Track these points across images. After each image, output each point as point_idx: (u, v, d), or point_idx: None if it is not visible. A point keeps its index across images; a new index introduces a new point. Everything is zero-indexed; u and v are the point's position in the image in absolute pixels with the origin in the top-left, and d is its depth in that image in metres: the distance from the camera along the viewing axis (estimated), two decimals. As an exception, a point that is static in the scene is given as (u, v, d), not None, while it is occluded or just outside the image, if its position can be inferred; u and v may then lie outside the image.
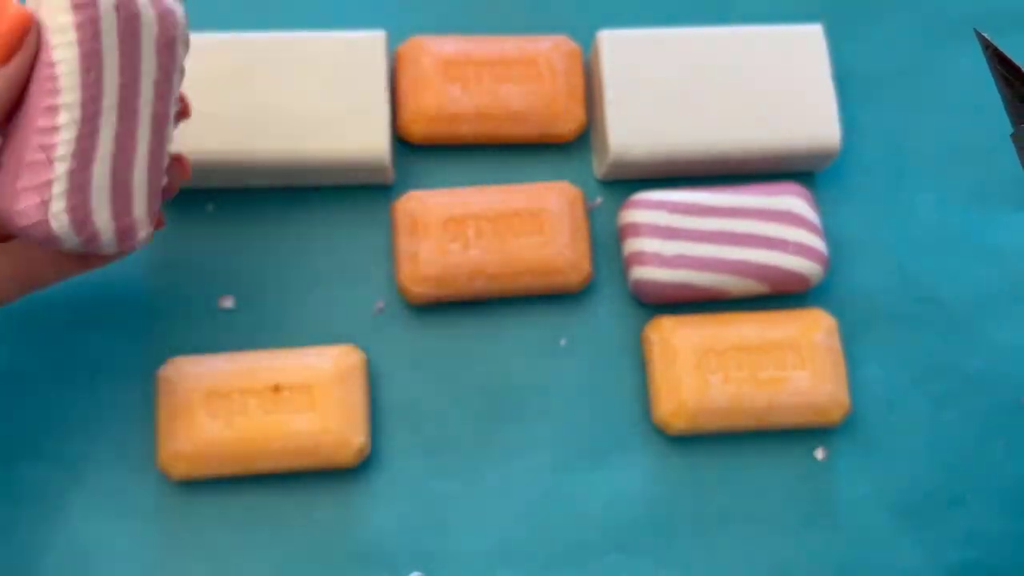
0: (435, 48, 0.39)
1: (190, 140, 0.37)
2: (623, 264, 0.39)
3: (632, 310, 0.39)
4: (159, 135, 0.30)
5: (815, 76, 0.39)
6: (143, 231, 0.30)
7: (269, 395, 0.35)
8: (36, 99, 0.27)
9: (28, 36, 0.27)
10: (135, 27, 0.28)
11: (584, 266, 0.38)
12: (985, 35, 0.27)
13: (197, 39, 0.38)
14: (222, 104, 0.37)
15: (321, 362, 0.35)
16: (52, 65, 0.26)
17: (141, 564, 0.35)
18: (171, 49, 0.29)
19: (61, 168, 0.27)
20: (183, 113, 0.32)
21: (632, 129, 0.38)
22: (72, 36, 0.26)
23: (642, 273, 0.37)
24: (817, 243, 0.38)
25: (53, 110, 0.26)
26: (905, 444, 0.38)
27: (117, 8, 0.27)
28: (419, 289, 0.37)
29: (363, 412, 0.36)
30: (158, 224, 0.32)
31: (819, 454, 0.38)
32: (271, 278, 0.38)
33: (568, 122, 0.40)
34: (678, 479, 0.37)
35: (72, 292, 0.37)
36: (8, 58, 0.26)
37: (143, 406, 0.36)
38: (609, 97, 0.38)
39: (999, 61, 0.27)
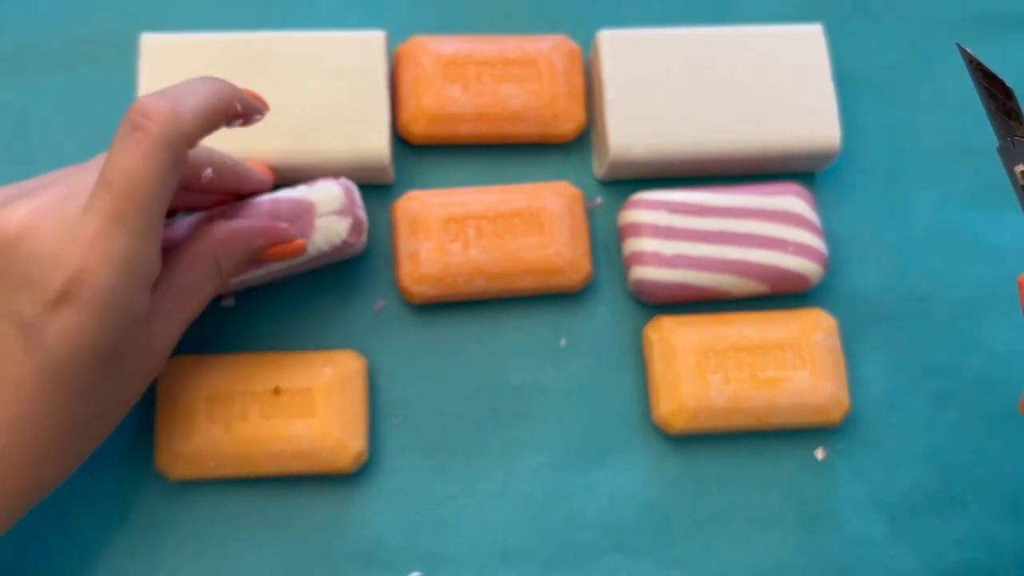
0: (435, 48, 0.39)
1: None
2: (623, 264, 0.39)
3: (632, 310, 0.39)
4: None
5: (815, 76, 0.39)
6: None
7: (269, 398, 0.35)
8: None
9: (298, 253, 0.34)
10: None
11: (584, 266, 0.38)
12: (968, 49, 0.27)
13: (197, 39, 0.38)
14: (222, 104, 0.37)
15: (322, 367, 0.35)
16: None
17: (140, 564, 0.35)
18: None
19: None
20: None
21: (632, 129, 0.38)
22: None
23: (642, 273, 0.37)
24: (817, 243, 0.38)
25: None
26: (905, 444, 0.38)
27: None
28: (419, 289, 0.37)
29: (362, 418, 0.35)
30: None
31: (819, 454, 0.38)
32: (271, 278, 0.38)
33: (568, 122, 0.39)
34: (678, 479, 0.37)
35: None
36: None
37: (143, 406, 0.36)
38: (609, 97, 0.38)
39: (983, 75, 0.27)
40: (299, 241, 0.34)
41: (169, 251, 0.33)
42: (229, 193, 0.35)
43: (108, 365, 0.29)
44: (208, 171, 0.33)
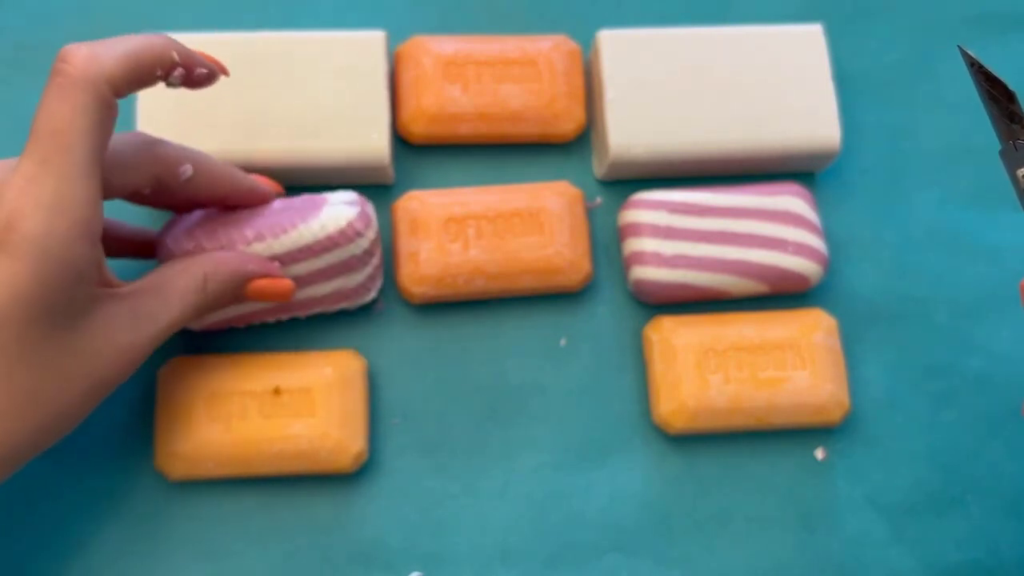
0: (435, 48, 0.39)
1: (190, 140, 0.36)
2: (623, 264, 0.39)
3: (632, 310, 0.39)
4: None
5: (815, 76, 0.39)
6: None
7: (269, 398, 0.35)
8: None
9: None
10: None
11: (584, 266, 0.38)
12: (969, 52, 0.27)
13: (197, 39, 0.38)
14: (222, 104, 0.37)
15: (322, 367, 0.35)
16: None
17: (140, 564, 0.35)
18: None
19: None
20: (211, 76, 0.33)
21: (632, 129, 0.38)
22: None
23: (642, 273, 0.37)
24: (817, 243, 0.38)
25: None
26: (905, 444, 0.38)
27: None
28: (419, 289, 0.37)
29: (362, 419, 0.35)
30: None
31: (819, 454, 0.38)
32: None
33: (568, 122, 0.39)
34: (678, 479, 0.37)
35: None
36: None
37: (143, 406, 0.36)
38: (609, 97, 0.38)
39: (984, 78, 0.27)
40: (287, 282, 0.34)
41: (163, 260, 0.33)
42: (222, 202, 0.35)
43: (50, 324, 0.28)
44: (187, 167, 0.32)
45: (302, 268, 0.35)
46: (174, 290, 0.32)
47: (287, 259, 0.35)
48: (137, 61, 0.29)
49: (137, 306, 0.30)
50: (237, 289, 0.34)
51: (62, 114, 0.27)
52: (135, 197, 0.33)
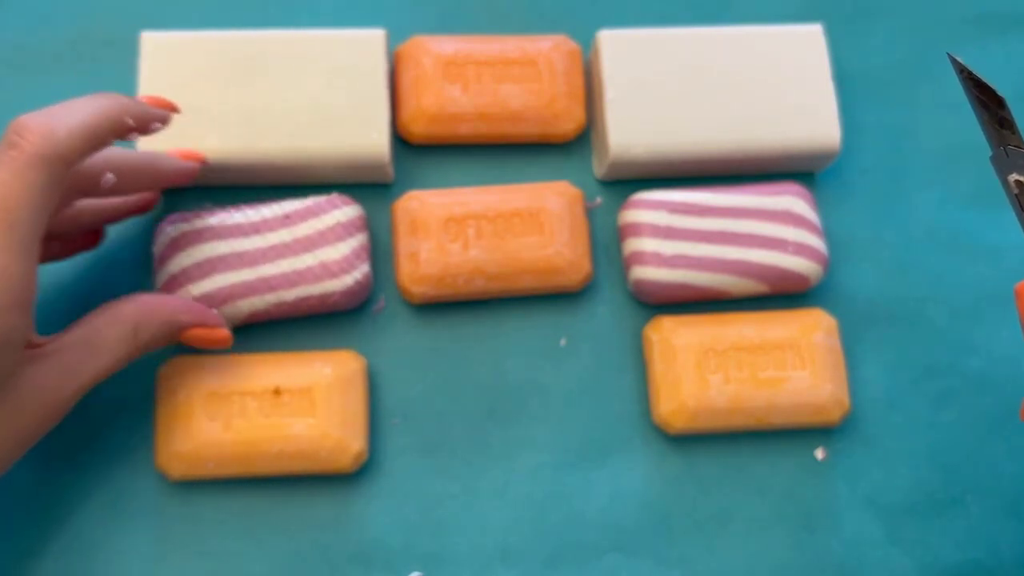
0: (435, 48, 0.39)
1: (190, 139, 0.36)
2: (623, 264, 0.39)
3: (632, 310, 0.39)
4: None
5: (815, 76, 0.39)
6: None
7: (269, 398, 0.35)
8: None
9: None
10: None
11: (584, 266, 0.38)
12: (959, 59, 0.27)
13: (198, 37, 0.38)
14: (222, 102, 0.37)
15: (322, 367, 0.35)
16: None
17: (140, 563, 0.35)
18: None
19: None
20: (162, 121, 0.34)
21: (632, 129, 0.38)
22: None
23: (642, 273, 0.37)
24: (817, 243, 0.38)
25: None
26: (905, 444, 0.38)
27: None
28: (419, 289, 0.37)
29: (362, 419, 0.35)
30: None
31: (819, 454, 0.38)
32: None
33: (568, 122, 0.39)
34: (678, 479, 0.37)
35: (71, 290, 0.37)
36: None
37: (143, 406, 0.36)
38: (609, 97, 0.38)
39: (974, 85, 0.27)
40: (223, 331, 0.34)
41: (94, 309, 0.32)
42: (150, 189, 0.35)
43: None
44: (109, 176, 0.32)
45: (286, 235, 0.36)
46: (103, 341, 0.31)
47: (264, 227, 0.36)
48: (93, 134, 0.29)
49: (63, 361, 0.30)
50: (171, 336, 0.33)
51: (11, 190, 0.27)
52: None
